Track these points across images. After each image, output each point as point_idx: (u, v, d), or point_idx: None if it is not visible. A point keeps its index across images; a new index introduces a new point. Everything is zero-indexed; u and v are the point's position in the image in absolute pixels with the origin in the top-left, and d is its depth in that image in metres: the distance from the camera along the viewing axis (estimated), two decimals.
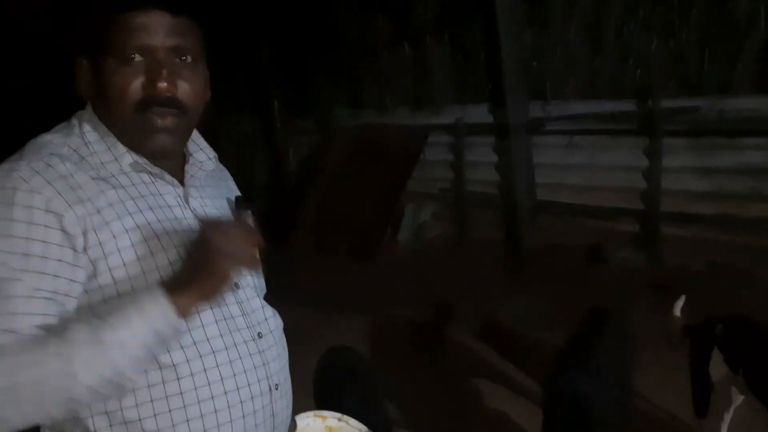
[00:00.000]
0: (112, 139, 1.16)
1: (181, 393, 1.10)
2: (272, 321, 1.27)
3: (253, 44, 7.92)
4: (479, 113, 6.25)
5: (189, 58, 1.16)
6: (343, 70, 7.80)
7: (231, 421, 1.14)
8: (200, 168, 1.26)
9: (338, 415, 1.51)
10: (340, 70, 7.80)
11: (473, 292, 4.89)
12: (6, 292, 1.00)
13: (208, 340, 1.13)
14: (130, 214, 1.11)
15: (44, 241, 1.03)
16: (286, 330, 1.32)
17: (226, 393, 1.13)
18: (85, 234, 1.06)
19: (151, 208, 1.14)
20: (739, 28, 5.47)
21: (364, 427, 1.50)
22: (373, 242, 6.49)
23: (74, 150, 1.13)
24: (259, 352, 1.19)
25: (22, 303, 1.00)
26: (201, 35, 1.19)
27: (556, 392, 2.61)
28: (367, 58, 7.60)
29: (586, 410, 2.42)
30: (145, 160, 1.17)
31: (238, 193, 1.35)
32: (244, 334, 1.18)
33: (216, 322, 1.14)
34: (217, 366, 1.13)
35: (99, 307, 1.06)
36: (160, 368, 1.09)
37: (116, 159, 1.15)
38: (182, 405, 1.10)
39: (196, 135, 1.28)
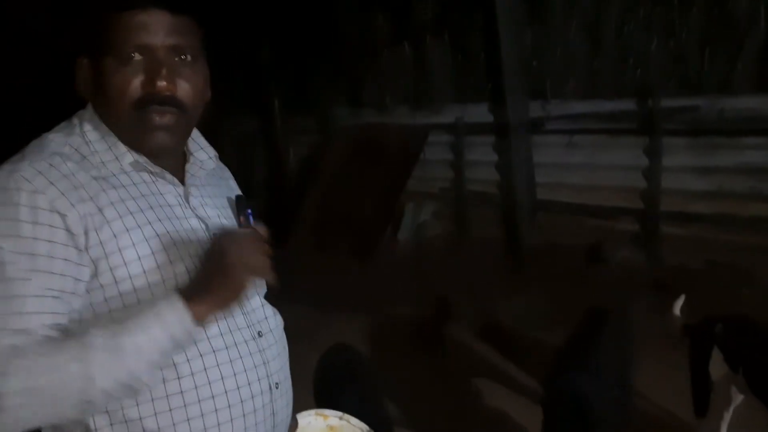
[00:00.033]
0: (112, 138, 1.16)
1: (181, 392, 1.10)
2: (272, 320, 1.27)
3: (253, 44, 7.92)
4: (479, 112, 6.25)
5: (189, 57, 1.16)
6: (344, 69, 7.80)
7: (231, 419, 1.14)
8: (201, 167, 1.27)
9: (339, 413, 1.51)
10: (340, 70, 7.80)
11: (473, 292, 4.89)
12: (17, 292, 1.01)
13: (208, 338, 1.13)
14: (131, 214, 1.11)
15: (50, 241, 1.04)
16: (286, 329, 1.33)
17: (226, 392, 1.14)
18: (86, 233, 1.06)
19: (151, 207, 1.14)
20: (739, 28, 5.46)
21: (365, 426, 1.50)
22: (373, 241, 6.48)
23: (75, 149, 1.14)
24: (260, 350, 1.20)
25: (32, 302, 1.01)
26: (201, 34, 1.19)
27: (556, 391, 2.61)
28: (368, 57, 7.60)
29: (586, 410, 2.42)
30: (145, 159, 1.17)
31: (239, 192, 1.35)
32: (244, 333, 1.18)
33: (216, 320, 1.15)
34: (218, 365, 1.14)
35: (116, 313, 1.07)
36: (160, 367, 1.09)
37: (117, 158, 1.15)
38: (183, 404, 1.11)
39: (196, 134, 1.29)
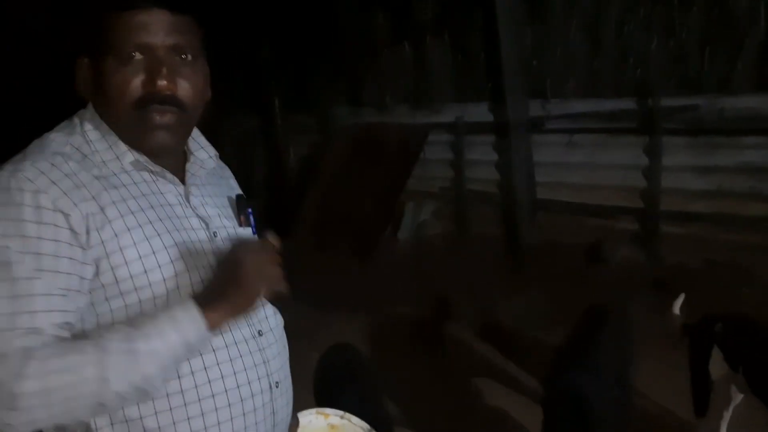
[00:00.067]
0: (113, 137, 1.17)
1: (181, 391, 1.11)
2: (272, 319, 1.27)
3: (253, 43, 7.91)
4: (479, 112, 6.25)
5: (189, 57, 1.16)
6: (344, 68, 7.79)
7: (231, 418, 1.14)
8: (201, 166, 1.27)
9: (340, 412, 1.51)
10: (340, 69, 7.80)
11: (473, 291, 4.89)
12: (25, 291, 1.01)
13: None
14: (131, 213, 1.12)
15: (55, 240, 1.04)
16: (286, 328, 1.33)
17: (226, 391, 1.14)
18: (88, 232, 1.07)
19: (152, 206, 1.15)
20: (739, 27, 5.46)
21: (366, 425, 1.50)
22: (374, 241, 6.48)
23: (77, 148, 1.14)
24: (260, 349, 1.20)
25: (41, 301, 1.01)
26: (201, 33, 1.20)
27: (556, 391, 2.61)
28: (368, 56, 7.59)
29: (586, 409, 2.42)
30: (145, 158, 1.17)
31: (239, 191, 1.36)
32: (244, 332, 1.19)
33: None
34: (218, 364, 1.14)
35: (119, 312, 1.08)
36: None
37: (117, 157, 1.16)
38: (183, 403, 1.11)
39: (196, 133, 1.29)
